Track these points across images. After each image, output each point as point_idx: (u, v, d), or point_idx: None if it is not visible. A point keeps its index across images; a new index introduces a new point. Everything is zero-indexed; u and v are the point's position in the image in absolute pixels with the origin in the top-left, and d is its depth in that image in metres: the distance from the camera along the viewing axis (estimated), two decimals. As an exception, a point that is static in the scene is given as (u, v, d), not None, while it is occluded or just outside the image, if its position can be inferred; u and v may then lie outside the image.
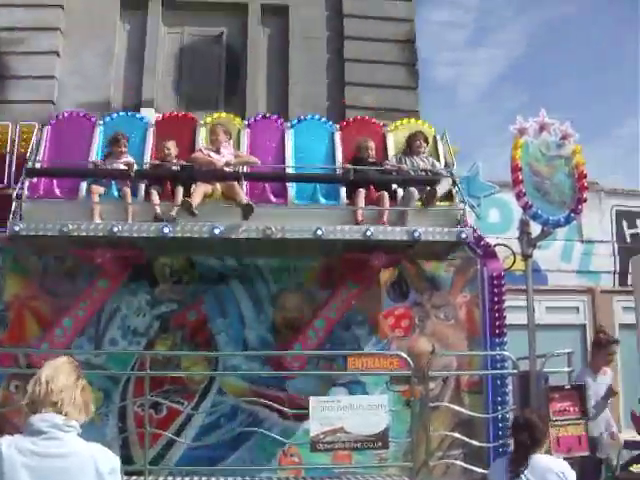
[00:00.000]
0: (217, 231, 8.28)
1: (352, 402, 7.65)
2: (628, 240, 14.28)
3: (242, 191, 8.68)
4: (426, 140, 9.72)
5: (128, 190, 8.74)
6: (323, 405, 7.58)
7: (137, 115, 10.09)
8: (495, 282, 9.58)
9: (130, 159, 9.04)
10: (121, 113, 10.13)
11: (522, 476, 5.21)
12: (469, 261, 9.89)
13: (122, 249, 8.70)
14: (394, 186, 9.26)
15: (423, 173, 9.44)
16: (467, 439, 8.54)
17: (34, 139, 9.50)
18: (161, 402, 8.41)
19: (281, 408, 8.12)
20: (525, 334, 8.11)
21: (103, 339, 9.21)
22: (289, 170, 9.27)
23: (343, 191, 9.07)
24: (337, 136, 9.78)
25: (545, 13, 36.01)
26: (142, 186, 8.83)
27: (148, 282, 9.37)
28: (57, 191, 8.94)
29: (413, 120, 10.31)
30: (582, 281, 13.78)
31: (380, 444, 7.64)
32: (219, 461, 8.64)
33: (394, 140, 9.94)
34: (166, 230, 8.23)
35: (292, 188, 9.06)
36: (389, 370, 8.45)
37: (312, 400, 7.63)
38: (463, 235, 8.65)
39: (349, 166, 9.20)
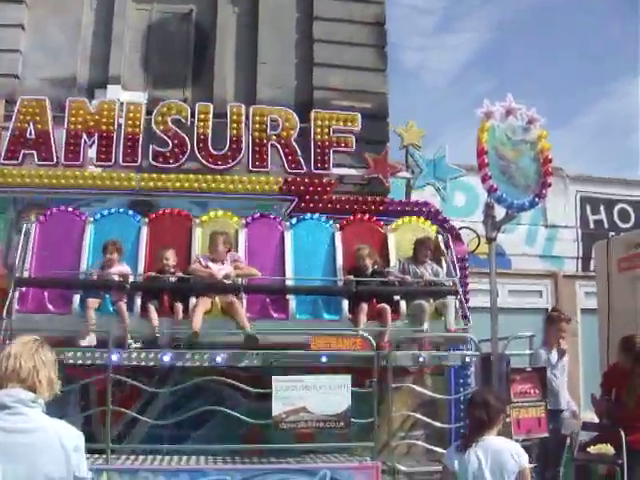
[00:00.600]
0: (219, 359, 8.18)
1: (315, 382, 7.69)
2: (592, 226, 14.46)
3: (243, 308, 8.55)
4: (435, 248, 9.46)
5: (124, 308, 8.45)
6: (286, 385, 7.62)
7: (129, 212, 9.55)
8: (459, 264, 9.66)
9: (125, 268, 8.75)
10: (112, 210, 9.56)
11: (471, 452, 5.22)
12: (434, 243, 9.93)
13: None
14: (396, 297, 9.08)
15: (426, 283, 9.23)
16: (429, 420, 8.63)
17: (21, 240, 8.95)
18: (124, 380, 8.36)
19: (244, 387, 8.11)
20: (488, 317, 8.18)
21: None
22: (289, 282, 9.09)
23: (345, 304, 8.90)
24: (337, 237, 9.54)
25: (513, 2, 36.12)
26: (138, 300, 8.56)
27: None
28: (48, 304, 8.57)
29: (414, 218, 9.96)
30: (545, 265, 13.94)
31: (342, 424, 7.69)
32: (183, 440, 8.64)
33: (395, 240, 9.70)
34: (166, 359, 8.12)
35: (293, 301, 8.89)
36: (352, 350, 8.45)
37: (275, 380, 7.66)
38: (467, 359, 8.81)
39: (351, 277, 8.98)
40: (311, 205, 9.86)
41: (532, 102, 8.34)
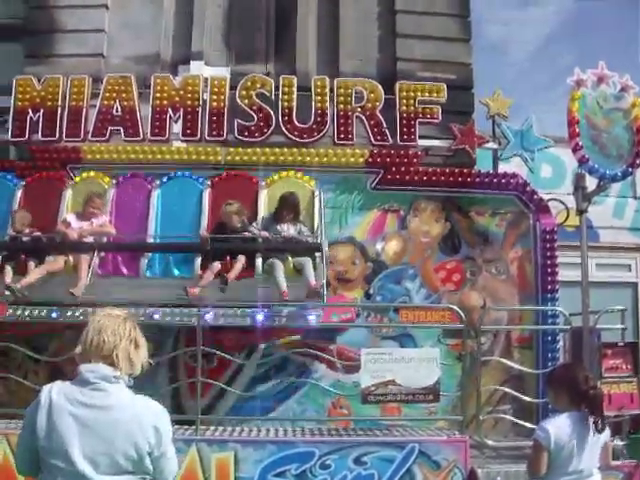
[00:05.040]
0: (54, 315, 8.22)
1: (403, 355, 7.67)
2: (682, 198, 13.99)
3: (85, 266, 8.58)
4: (296, 205, 9.17)
5: None
6: (374, 357, 7.60)
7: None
8: (548, 237, 9.49)
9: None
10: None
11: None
12: (521, 216, 9.79)
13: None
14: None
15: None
16: (517, 394, 8.53)
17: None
18: (212, 352, 8.47)
19: (332, 359, 8.13)
20: (574, 291, 8.05)
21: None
22: (149, 239, 9.14)
23: (198, 262, 8.81)
24: (206, 194, 9.48)
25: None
26: None
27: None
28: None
29: (292, 173, 9.71)
30: (635, 239, 13.56)
31: (431, 397, 7.65)
32: (269, 412, 8.72)
33: (267, 196, 9.49)
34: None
35: (144, 259, 8.97)
36: (441, 324, 8.39)
37: (363, 352, 7.66)
38: None
39: (206, 234, 8.89)
40: (397, 177, 9.75)
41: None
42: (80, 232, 8.84)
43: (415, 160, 9.89)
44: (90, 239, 8.90)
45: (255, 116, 9.94)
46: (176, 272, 8.99)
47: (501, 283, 9.72)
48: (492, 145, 10.21)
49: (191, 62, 12.61)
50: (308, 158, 9.80)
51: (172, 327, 8.74)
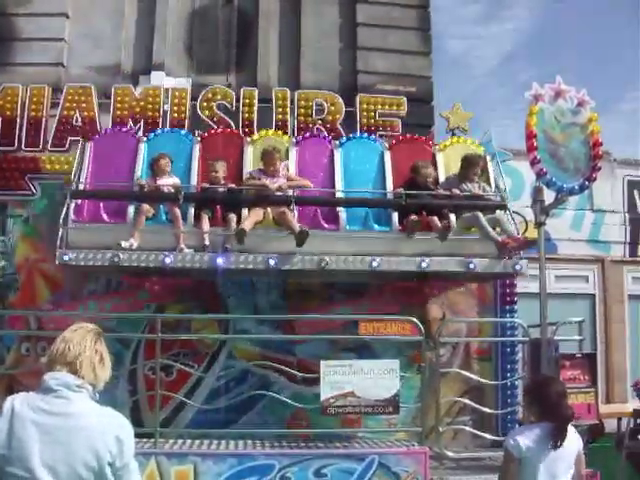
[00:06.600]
0: (272, 262, 8.21)
1: (363, 366, 7.67)
2: (639, 211, 14.18)
3: (294, 218, 8.52)
4: (479, 165, 9.29)
5: (178, 213, 8.48)
6: (334, 369, 7.62)
7: (182, 132, 9.70)
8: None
9: (176, 180, 8.86)
10: (166, 130, 9.77)
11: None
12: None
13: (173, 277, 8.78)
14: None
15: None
16: (476, 405, 8.58)
17: (77, 157, 9.14)
18: (171, 365, 8.42)
19: (291, 371, 8.12)
20: (532, 302, 8.10)
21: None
22: (339, 194, 9.09)
23: (395, 217, 8.83)
24: (387, 155, 9.52)
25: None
26: (191, 210, 8.59)
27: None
28: (104, 215, 8.65)
29: (462, 139, 9.96)
30: (592, 250, 13.70)
31: (390, 409, 7.67)
32: (229, 424, 8.68)
33: (444, 160, 9.63)
34: (220, 261, 8.16)
35: (343, 213, 8.86)
36: (400, 336, 8.42)
37: (323, 364, 7.66)
38: (518, 267, 8.58)
39: (401, 190, 8.90)
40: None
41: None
42: (279, 186, 8.75)
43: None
44: (289, 192, 8.82)
45: (216, 127, 9.93)
46: (375, 226, 8.92)
47: (460, 295, 9.78)
48: (451, 158, 10.28)
49: (152, 73, 12.60)
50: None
51: (130, 339, 8.72)
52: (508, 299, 9.59)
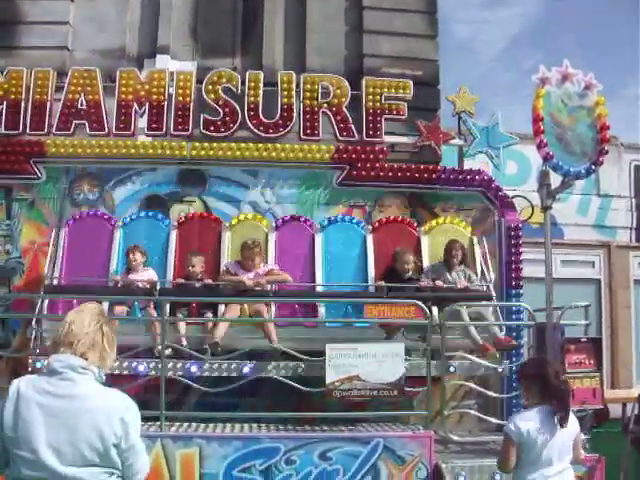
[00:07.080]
0: (246, 370, 8.21)
1: (368, 350, 7.67)
2: (646, 196, 14.15)
3: (272, 313, 8.59)
4: (463, 249, 9.24)
5: (153, 312, 8.46)
6: (339, 352, 7.61)
7: (158, 216, 9.60)
8: (512, 234, 9.55)
9: (151, 273, 8.82)
10: (141, 214, 9.68)
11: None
12: (486, 212, 9.85)
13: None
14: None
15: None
16: (482, 389, 8.58)
17: (51, 244, 9.07)
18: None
19: (297, 355, 8.10)
20: (538, 287, 8.08)
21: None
22: (319, 289, 9.10)
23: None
24: (369, 239, 9.50)
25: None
26: (167, 306, 8.28)
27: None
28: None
29: (448, 219, 9.89)
30: (598, 236, 13.70)
31: (396, 393, 7.67)
32: (235, 408, 8.68)
33: (429, 242, 9.60)
34: (194, 369, 8.17)
35: (322, 307, 8.85)
36: (406, 319, 8.41)
37: (328, 347, 7.65)
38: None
39: (383, 284, 8.85)
40: (363, 173, 9.77)
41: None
42: (257, 282, 8.67)
43: (381, 156, 9.92)
44: (268, 287, 8.79)
45: (221, 111, 9.91)
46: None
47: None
48: (458, 142, 10.26)
49: (157, 56, 12.55)
50: (274, 153, 9.79)
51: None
52: (514, 283, 9.55)
